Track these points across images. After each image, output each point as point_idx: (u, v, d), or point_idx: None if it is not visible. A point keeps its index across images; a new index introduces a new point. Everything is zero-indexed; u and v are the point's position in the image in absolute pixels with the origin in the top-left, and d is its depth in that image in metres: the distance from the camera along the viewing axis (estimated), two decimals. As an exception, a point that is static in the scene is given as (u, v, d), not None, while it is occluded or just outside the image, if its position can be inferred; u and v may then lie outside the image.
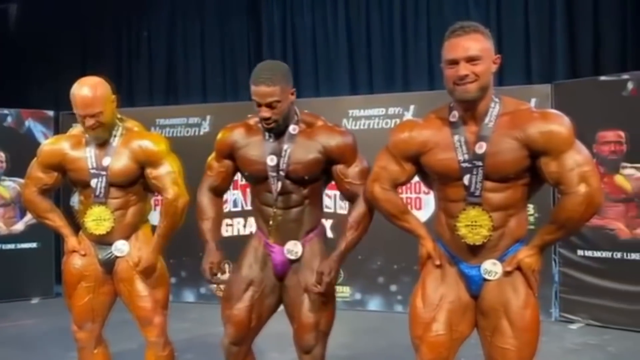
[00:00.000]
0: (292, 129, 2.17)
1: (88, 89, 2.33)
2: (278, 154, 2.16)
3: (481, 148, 1.81)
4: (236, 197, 5.23)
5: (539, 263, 1.85)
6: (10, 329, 4.50)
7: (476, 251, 1.88)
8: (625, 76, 4.14)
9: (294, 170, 2.15)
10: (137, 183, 2.47)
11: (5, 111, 5.66)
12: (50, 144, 2.55)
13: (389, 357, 3.74)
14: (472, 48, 1.78)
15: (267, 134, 2.18)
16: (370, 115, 4.93)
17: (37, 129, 5.82)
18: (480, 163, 1.81)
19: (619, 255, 4.21)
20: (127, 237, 2.49)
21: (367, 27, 5.69)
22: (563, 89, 4.34)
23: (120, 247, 2.48)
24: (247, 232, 5.24)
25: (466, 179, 1.83)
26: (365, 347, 3.86)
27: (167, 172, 2.42)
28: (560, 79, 4.80)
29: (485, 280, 1.89)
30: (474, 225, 1.84)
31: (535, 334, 1.90)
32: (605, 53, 4.93)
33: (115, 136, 2.44)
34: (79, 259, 2.50)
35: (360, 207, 2.16)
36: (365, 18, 5.69)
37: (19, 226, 5.70)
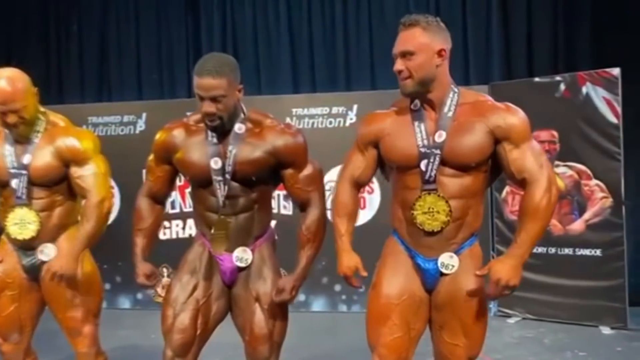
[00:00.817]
0: (238, 127, 2.02)
1: (6, 82, 2.14)
2: (222, 155, 2.01)
3: (440, 137, 1.84)
4: (174, 198, 5.03)
5: (519, 278, 1.82)
6: None
7: (433, 244, 1.88)
8: (557, 78, 4.34)
9: (240, 171, 2.02)
10: (63, 182, 2.30)
11: None
12: None
13: (336, 358, 3.70)
14: (405, 43, 1.82)
15: (210, 134, 2.02)
16: (313, 114, 4.87)
17: None
18: (438, 151, 1.84)
19: (553, 250, 4.36)
20: (54, 240, 2.31)
21: (309, 25, 5.62)
22: (499, 89, 4.46)
23: (47, 252, 2.30)
24: (186, 234, 5.07)
25: (423, 165, 1.85)
26: (312, 349, 3.80)
27: (93, 172, 2.26)
28: (497, 80, 4.94)
29: (441, 274, 1.89)
30: (431, 211, 1.84)
31: (484, 331, 1.92)
32: (538, 55, 5.11)
33: (37, 132, 2.26)
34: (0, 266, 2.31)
35: (313, 215, 2.10)
36: (307, 15, 5.62)
37: None
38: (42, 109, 2.33)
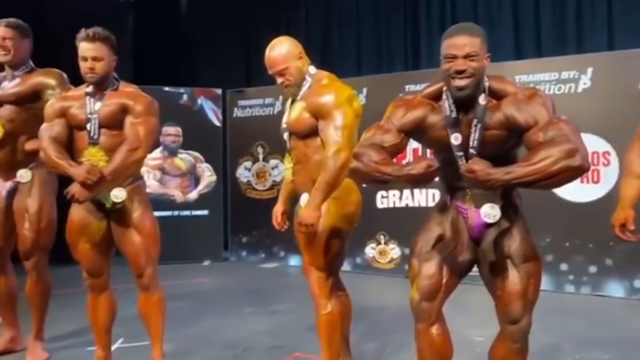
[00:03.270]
0: (482, 99, 1.93)
1: (271, 49, 2.48)
2: (466, 131, 1.93)
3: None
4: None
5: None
6: (187, 286, 4.97)
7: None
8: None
9: (485, 146, 1.92)
10: (312, 136, 2.46)
11: (181, 90, 6.21)
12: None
13: (559, 344, 3.46)
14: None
15: (448, 107, 1.95)
16: (540, 81, 4.55)
17: (208, 106, 6.31)
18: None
19: None
20: (309, 190, 2.51)
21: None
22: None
23: (304, 199, 2.54)
24: (402, 204, 5.20)
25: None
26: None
27: (334, 125, 2.37)
28: None
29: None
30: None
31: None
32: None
33: (303, 90, 2.51)
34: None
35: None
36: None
37: (193, 195, 6.25)
38: (313, 70, 2.54)
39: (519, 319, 1.98)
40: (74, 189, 2.46)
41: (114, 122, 2.59)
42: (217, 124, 6.32)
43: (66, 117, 2.64)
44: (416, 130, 2.02)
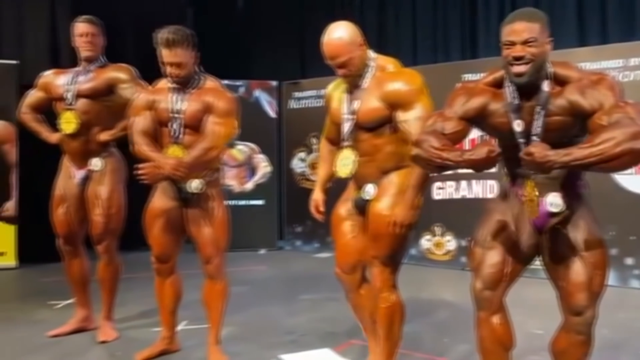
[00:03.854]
0: (545, 85, 1.89)
1: (332, 38, 2.29)
2: (528, 117, 1.90)
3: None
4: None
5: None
6: (244, 273, 5.10)
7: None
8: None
9: (549, 133, 1.88)
10: (384, 125, 2.35)
11: (238, 83, 6.34)
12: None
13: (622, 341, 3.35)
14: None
15: (511, 94, 1.92)
16: (605, 68, 4.37)
17: (264, 98, 6.42)
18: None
19: None
20: (376, 181, 2.41)
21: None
22: None
23: (368, 191, 2.42)
24: (459, 195, 5.13)
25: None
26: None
27: (416, 116, 2.26)
28: None
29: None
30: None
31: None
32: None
33: (366, 78, 2.36)
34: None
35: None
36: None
37: (249, 185, 6.38)
38: (373, 55, 2.41)
39: (584, 310, 1.94)
40: (148, 170, 2.53)
41: (198, 122, 2.67)
42: (273, 115, 6.42)
43: (153, 111, 2.74)
44: (478, 118, 2.00)
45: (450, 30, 6.03)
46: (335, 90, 2.54)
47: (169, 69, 2.63)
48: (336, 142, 2.60)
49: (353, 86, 2.40)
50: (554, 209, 1.95)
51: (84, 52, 3.18)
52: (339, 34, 2.31)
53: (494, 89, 1.99)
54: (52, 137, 3.27)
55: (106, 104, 3.17)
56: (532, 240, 2.03)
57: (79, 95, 3.16)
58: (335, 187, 2.66)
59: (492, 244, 2.03)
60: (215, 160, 2.72)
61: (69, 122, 3.15)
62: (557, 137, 1.87)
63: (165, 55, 2.61)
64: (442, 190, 5.22)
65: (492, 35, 5.59)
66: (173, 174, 2.54)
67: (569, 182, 1.97)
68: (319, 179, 2.69)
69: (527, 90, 1.90)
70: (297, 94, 6.39)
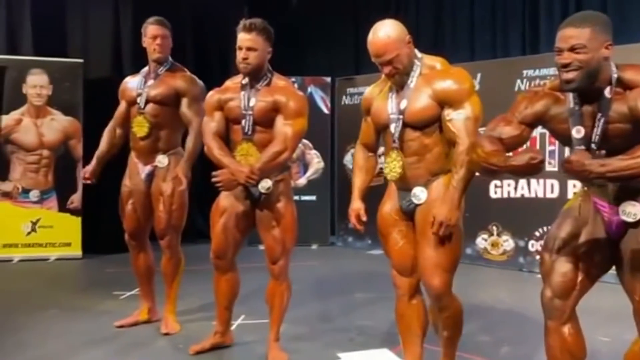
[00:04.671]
0: (607, 91, 1.82)
1: (379, 36, 2.23)
2: (589, 124, 1.84)
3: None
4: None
5: None
6: (297, 268, 5.11)
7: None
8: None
9: (609, 140, 1.83)
10: (434, 124, 2.28)
11: (292, 79, 6.34)
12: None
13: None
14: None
15: (573, 100, 1.87)
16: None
17: (317, 94, 6.44)
18: None
19: None
20: (426, 185, 2.33)
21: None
22: None
23: (419, 195, 2.32)
24: (517, 194, 5.01)
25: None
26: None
27: (465, 117, 2.20)
28: None
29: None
30: None
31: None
32: None
33: (412, 77, 2.30)
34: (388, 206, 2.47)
35: None
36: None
37: (302, 181, 6.43)
38: (418, 54, 2.35)
39: None
40: (223, 178, 2.61)
41: (267, 119, 2.71)
42: (326, 111, 6.43)
43: (224, 110, 2.79)
44: (538, 122, 1.97)
45: (510, 23, 5.85)
46: (375, 93, 2.46)
47: (242, 54, 2.65)
48: (373, 148, 2.57)
49: (399, 85, 2.33)
50: (629, 219, 1.88)
51: (154, 54, 3.26)
52: (386, 31, 2.25)
53: (558, 94, 1.94)
54: (89, 169, 3.39)
55: (174, 109, 3.27)
56: (607, 250, 1.96)
57: (148, 100, 3.26)
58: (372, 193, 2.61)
59: (563, 251, 1.98)
60: (286, 161, 2.75)
61: (140, 126, 3.25)
62: (618, 145, 1.80)
63: (242, 39, 2.66)
64: (500, 189, 5.10)
65: (555, 29, 5.41)
66: (247, 182, 2.60)
67: None
68: (357, 188, 2.55)
69: (589, 95, 1.84)
70: (350, 90, 6.38)
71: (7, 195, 5.52)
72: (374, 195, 2.64)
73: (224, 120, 2.78)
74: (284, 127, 2.66)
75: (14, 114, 5.55)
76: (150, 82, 3.28)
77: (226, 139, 2.82)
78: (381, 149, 2.60)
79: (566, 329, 1.96)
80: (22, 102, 5.56)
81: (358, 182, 2.56)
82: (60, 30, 6.00)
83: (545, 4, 5.56)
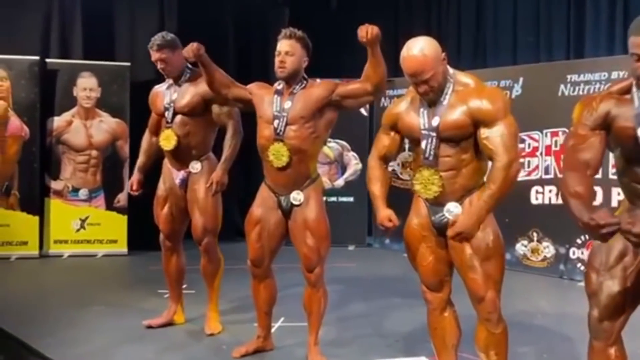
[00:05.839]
0: None
1: (415, 54, 2.21)
2: None
3: None
4: (548, 163, 4.96)
5: None
6: (334, 270, 5.18)
7: None
8: None
9: None
10: (469, 139, 2.29)
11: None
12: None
13: None
14: None
15: (638, 99, 1.84)
16: None
17: (356, 96, 6.45)
18: None
19: None
20: (460, 200, 2.33)
21: None
22: None
23: (452, 210, 2.33)
24: (559, 201, 4.93)
25: None
26: None
27: (501, 134, 2.21)
28: None
29: None
30: None
31: None
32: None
33: (446, 94, 2.31)
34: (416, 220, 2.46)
35: None
36: None
37: (340, 182, 6.48)
38: (450, 70, 2.35)
39: None
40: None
41: (301, 120, 2.82)
42: (365, 113, 6.45)
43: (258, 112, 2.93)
44: (605, 124, 1.93)
45: (554, 26, 5.74)
46: (403, 108, 2.44)
47: (280, 58, 2.79)
48: (389, 161, 2.58)
49: (432, 102, 2.32)
50: None
51: (163, 73, 3.36)
52: (422, 48, 2.22)
53: (619, 96, 1.92)
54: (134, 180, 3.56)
55: (203, 116, 3.33)
56: None
57: (176, 112, 3.33)
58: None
59: (611, 272, 1.94)
60: None
61: (168, 140, 3.33)
62: None
63: (282, 45, 2.80)
64: (542, 195, 5.04)
65: (602, 33, 5.28)
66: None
67: None
68: (380, 197, 2.48)
69: None
70: (389, 92, 6.36)
71: (58, 193, 5.78)
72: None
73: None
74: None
75: (65, 116, 5.80)
76: (175, 95, 3.35)
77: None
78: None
79: (612, 351, 1.94)
80: (73, 104, 5.80)
81: (379, 192, 2.50)
82: (108, 34, 6.20)
83: (591, 6, 5.42)
